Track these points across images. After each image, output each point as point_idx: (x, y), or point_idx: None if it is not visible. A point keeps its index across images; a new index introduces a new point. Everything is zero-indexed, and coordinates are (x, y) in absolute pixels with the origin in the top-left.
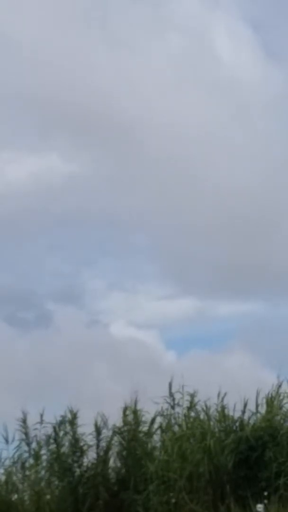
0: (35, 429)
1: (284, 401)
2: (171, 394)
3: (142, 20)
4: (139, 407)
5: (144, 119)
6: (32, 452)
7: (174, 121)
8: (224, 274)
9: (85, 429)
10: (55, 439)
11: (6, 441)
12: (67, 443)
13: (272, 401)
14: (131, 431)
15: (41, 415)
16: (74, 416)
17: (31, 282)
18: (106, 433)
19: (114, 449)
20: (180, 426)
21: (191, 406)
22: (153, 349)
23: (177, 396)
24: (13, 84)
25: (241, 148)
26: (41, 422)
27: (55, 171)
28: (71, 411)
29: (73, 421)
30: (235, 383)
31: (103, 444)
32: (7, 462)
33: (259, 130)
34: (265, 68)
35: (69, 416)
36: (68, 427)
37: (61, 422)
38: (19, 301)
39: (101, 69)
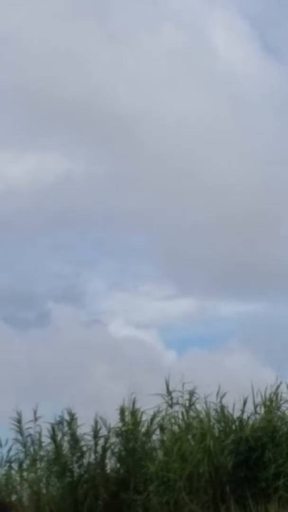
0: (29, 427)
1: (283, 401)
2: (169, 393)
3: (140, 15)
4: (137, 406)
5: (143, 114)
6: (29, 453)
7: (173, 116)
8: (224, 273)
9: (84, 429)
10: (53, 439)
11: (0, 444)
12: (65, 443)
13: (271, 402)
14: (130, 431)
15: (35, 413)
16: (72, 416)
17: (31, 282)
18: (104, 433)
19: (113, 450)
20: (179, 425)
21: (190, 404)
22: (153, 349)
23: (175, 395)
24: (6, 79)
25: (239, 144)
26: (35, 420)
27: (54, 170)
28: (69, 411)
29: (71, 421)
30: (235, 383)
31: (101, 444)
32: (5, 463)
33: (257, 125)
34: (263, 63)
35: (67, 416)
36: (66, 427)
37: (59, 422)
38: (19, 301)
39: (98, 64)
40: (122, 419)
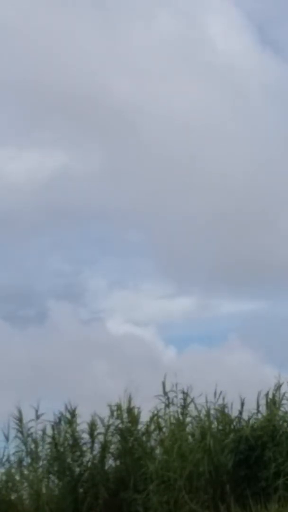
0: (31, 427)
1: (284, 401)
2: (165, 393)
3: (137, 5)
4: (136, 405)
5: (142, 108)
6: (29, 451)
7: (171, 110)
8: (224, 272)
9: (84, 427)
10: (53, 438)
11: (7, 439)
12: (65, 442)
13: (272, 401)
14: (127, 429)
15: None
16: (73, 414)
17: (32, 280)
18: (102, 432)
19: (112, 448)
20: (177, 425)
21: (185, 405)
22: (152, 346)
23: (172, 395)
24: (3, 74)
25: (238, 138)
26: (37, 418)
27: (54, 167)
28: (69, 410)
29: (71, 420)
30: (235, 381)
31: (100, 443)
32: (6, 461)
33: (255, 118)
34: (261, 56)
35: (68, 414)
36: (66, 426)
37: (59, 420)
38: (20, 300)
39: (96, 57)
40: (119, 416)
